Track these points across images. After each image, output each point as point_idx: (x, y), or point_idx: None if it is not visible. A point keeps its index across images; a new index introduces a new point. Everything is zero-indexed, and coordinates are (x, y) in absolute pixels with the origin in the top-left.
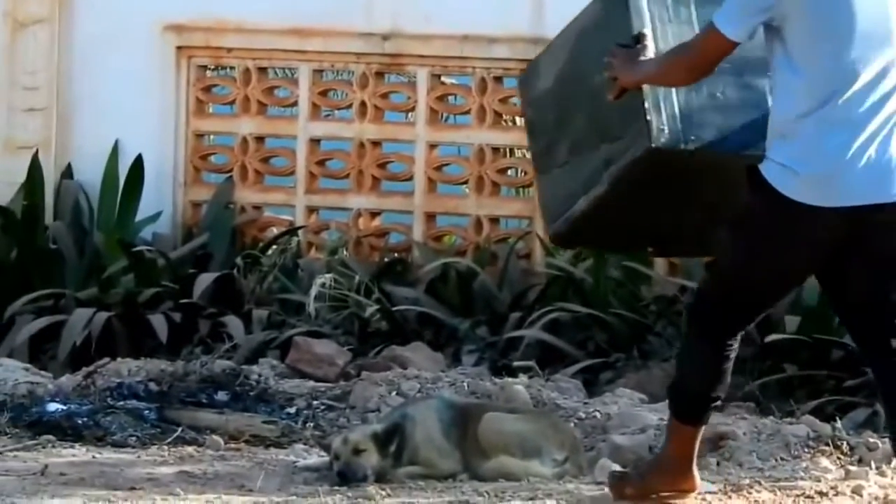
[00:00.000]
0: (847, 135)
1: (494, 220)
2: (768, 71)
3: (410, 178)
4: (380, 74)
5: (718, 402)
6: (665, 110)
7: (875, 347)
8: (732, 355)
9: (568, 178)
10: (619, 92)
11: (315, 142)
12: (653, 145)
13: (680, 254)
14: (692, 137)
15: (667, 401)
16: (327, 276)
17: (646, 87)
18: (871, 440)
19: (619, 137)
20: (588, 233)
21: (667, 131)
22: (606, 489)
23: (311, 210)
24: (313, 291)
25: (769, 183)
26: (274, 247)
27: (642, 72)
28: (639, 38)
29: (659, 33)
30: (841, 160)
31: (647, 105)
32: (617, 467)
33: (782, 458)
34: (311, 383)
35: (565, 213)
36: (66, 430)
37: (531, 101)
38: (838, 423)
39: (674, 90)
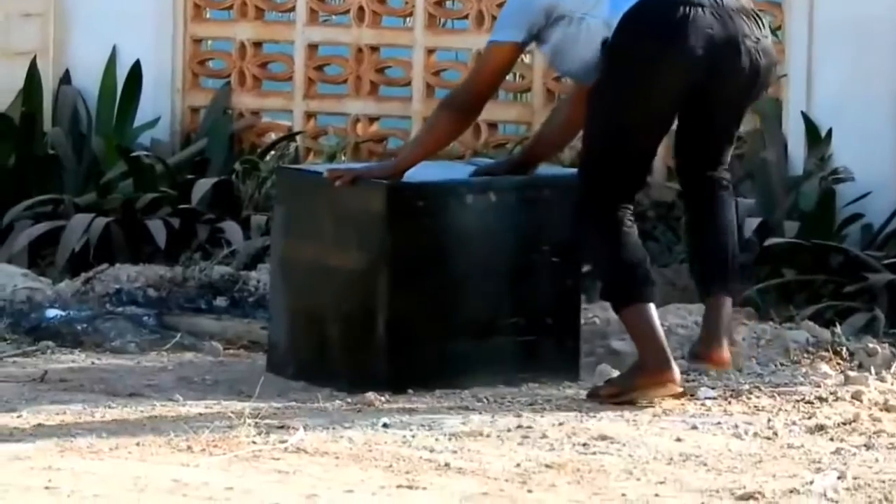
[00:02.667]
0: None
1: (493, 126)
2: None
3: (409, 84)
4: None
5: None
6: None
7: None
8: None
9: None
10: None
11: (313, 47)
12: None
13: None
14: None
15: (610, 305)
16: None
17: None
18: (871, 345)
19: None
20: None
21: None
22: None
23: (310, 115)
24: None
25: None
26: (272, 152)
27: (414, 150)
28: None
29: None
30: None
31: None
32: (616, 373)
33: (782, 364)
34: None
35: None
36: (66, 336)
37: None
38: (838, 329)
39: None
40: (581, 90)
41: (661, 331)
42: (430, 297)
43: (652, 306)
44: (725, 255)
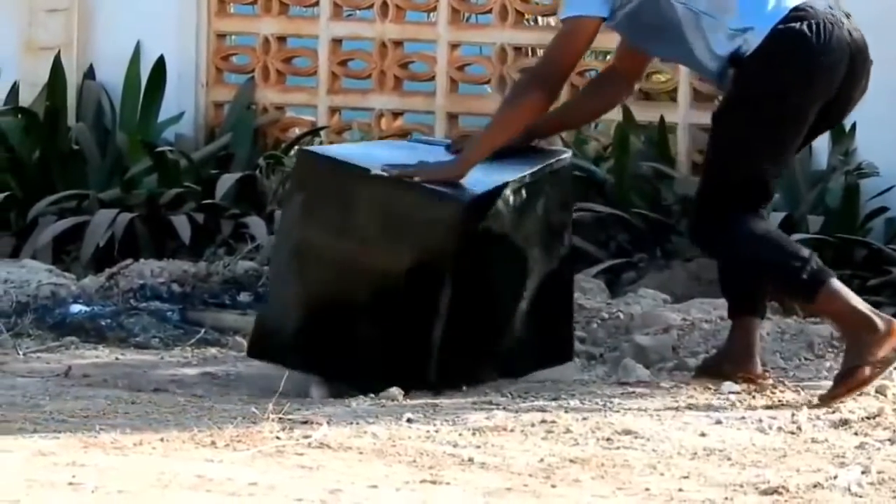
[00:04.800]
0: None
1: None
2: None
3: (432, 79)
4: None
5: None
6: None
7: None
8: None
9: None
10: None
11: (337, 42)
12: None
13: None
14: None
15: (801, 301)
16: None
17: None
18: None
19: None
20: None
21: None
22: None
23: (334, 110)
24: None
25: None
26: (296, 147)
27: (492, 135)
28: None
29: None
30: None
31: None
32: (640, 367)
33: (806, 358)
34: None
35: None
36: (90, 332)
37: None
38: None
39: None
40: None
41: (853, 294)
42: (479, 299)
43: (834, 279)
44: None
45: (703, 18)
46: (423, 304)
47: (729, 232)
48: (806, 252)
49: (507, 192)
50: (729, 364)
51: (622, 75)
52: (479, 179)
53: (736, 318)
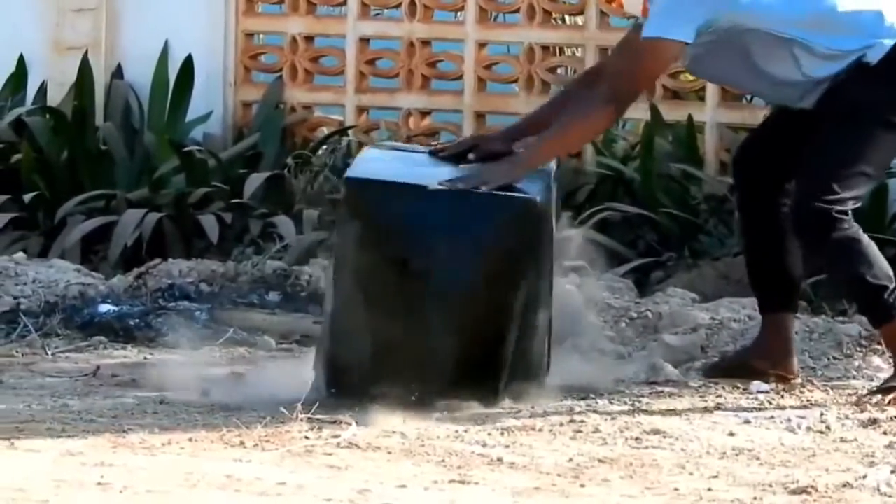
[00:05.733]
0: None
1: None
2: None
3: (460, 78)
4: None
5: None
6: None
7: None
8: None
9: None
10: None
11: (365, 41)
12: None
13: None
14: None
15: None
16: None
17: None
18: None
19: None
20: None
21: None
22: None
23: (361, 110)
24: None
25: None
26: (324, 147)
27: (552, 145)
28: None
29: None
30: None
31: None
32: (669, 367)
33: (835, 357)
34: None
35: None
36: (118, 332)
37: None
38: None
39: None
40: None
41: None
42: (536, 310)
43: None
44: (800, 273)
45: (795, 44)
46: (499, 312)
47: (837, 232)
48: (894, 278)
49: (553, 191)
50: (762, 360)
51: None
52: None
53: (768, 314)
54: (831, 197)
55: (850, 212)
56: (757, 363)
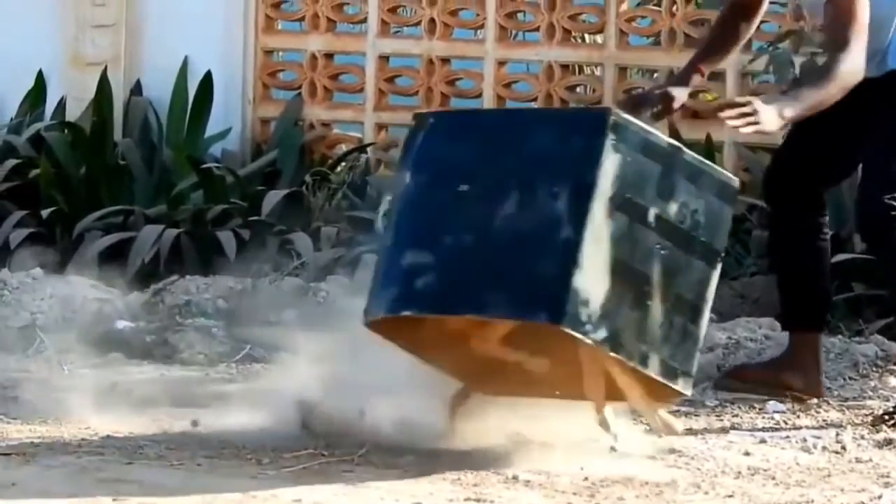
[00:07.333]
0: None
1: None
2: None
3: (479, 96)
4: None
5: None
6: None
7: None
8: None
9: None
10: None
11: (384, 59)
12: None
13: None
14: None
15: None
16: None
17: None
18: None
19: None
20: None
21: None
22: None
23: (380, 127)
24: (382, 209)
25: None
26: (343, 164)
27: (808, 105)
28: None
29: None
30: None
31: None
32: None
33: (850, 378)
34: None
35: None
36: (135, 348)
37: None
38: None
39: None
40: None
41: None
42: None
43: None
44: (829, 289)
45: None
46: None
47: None
48: None
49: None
50: (794, 376)
51: (744, 11)
52: None
53: (798, 333)
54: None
55: None
56: (788, 378)
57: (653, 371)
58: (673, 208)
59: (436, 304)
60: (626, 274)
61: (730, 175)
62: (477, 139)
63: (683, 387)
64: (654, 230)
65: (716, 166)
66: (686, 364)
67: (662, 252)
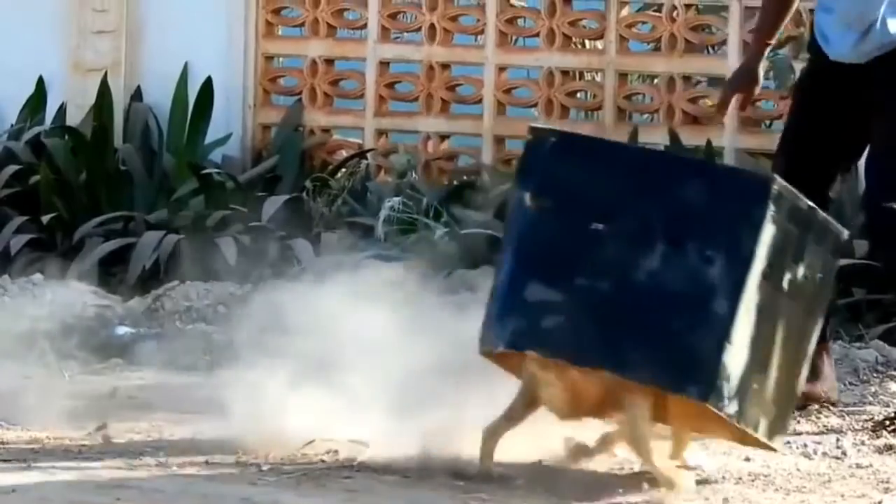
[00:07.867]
0: None
1: None
2: None
3: (479, 101)
4: None
5: None
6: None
7: None
8: None
9: None
10: None
11: (384, 64)
12: None
13: None
14: None
15: None
16: (396, 199)
17: None
18: None
19: None
20: None
21: None
22: None
23: (381, 133)
24: (382, 214)
25: None
26: (343, 170)
27: None
28: None
29: None
30: None
31: None
32: None
33: (851, 383)
34: None
35: None
36: (135, 354)
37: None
38: None
39: None
40: None
41: None
42: None
43: None
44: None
45: None
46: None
47: None
48: None
49: None
50: (815, 387)
51: None
52: None
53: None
54: None
55: None
56: (810, 388)
57: (761, 434)
58: (801, 271)
59: (567, 350)
60: (759, 342)
61: (839, 226)
62: (612, 172)
63: (778, 444)
64: (786, 295)
65: (830, 219)
66: (785, 424)
67: (789, 316)
